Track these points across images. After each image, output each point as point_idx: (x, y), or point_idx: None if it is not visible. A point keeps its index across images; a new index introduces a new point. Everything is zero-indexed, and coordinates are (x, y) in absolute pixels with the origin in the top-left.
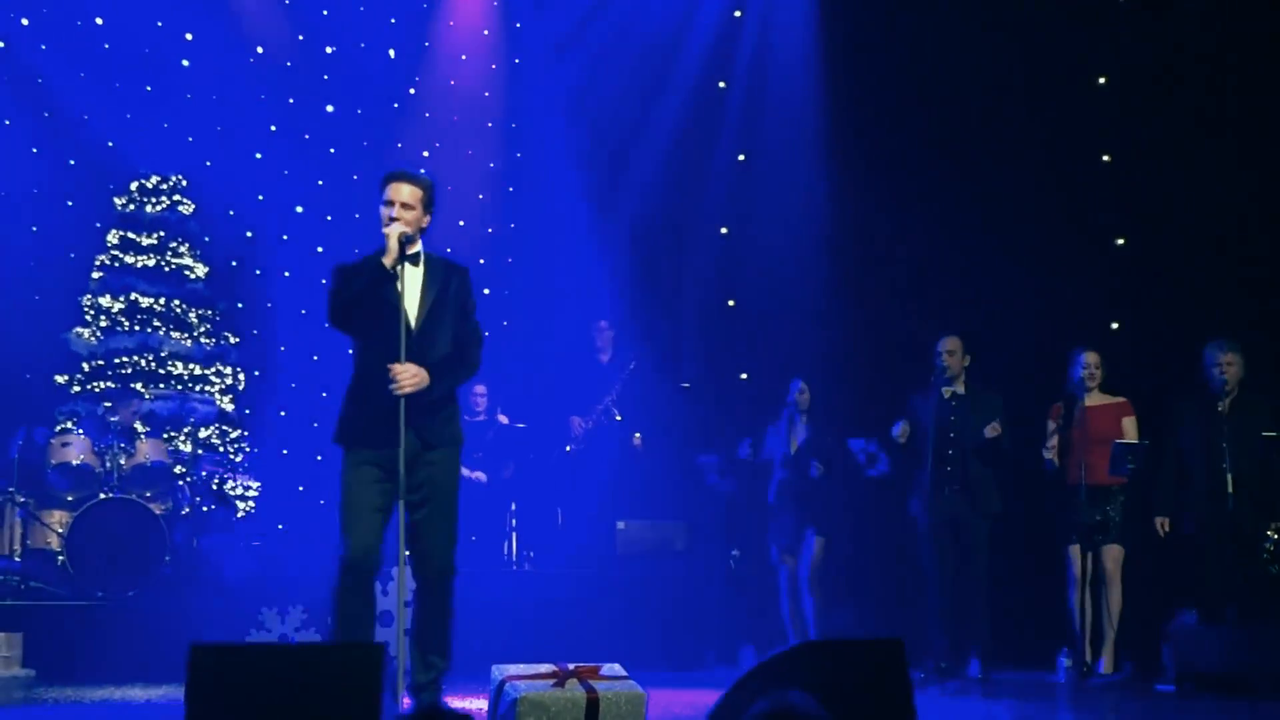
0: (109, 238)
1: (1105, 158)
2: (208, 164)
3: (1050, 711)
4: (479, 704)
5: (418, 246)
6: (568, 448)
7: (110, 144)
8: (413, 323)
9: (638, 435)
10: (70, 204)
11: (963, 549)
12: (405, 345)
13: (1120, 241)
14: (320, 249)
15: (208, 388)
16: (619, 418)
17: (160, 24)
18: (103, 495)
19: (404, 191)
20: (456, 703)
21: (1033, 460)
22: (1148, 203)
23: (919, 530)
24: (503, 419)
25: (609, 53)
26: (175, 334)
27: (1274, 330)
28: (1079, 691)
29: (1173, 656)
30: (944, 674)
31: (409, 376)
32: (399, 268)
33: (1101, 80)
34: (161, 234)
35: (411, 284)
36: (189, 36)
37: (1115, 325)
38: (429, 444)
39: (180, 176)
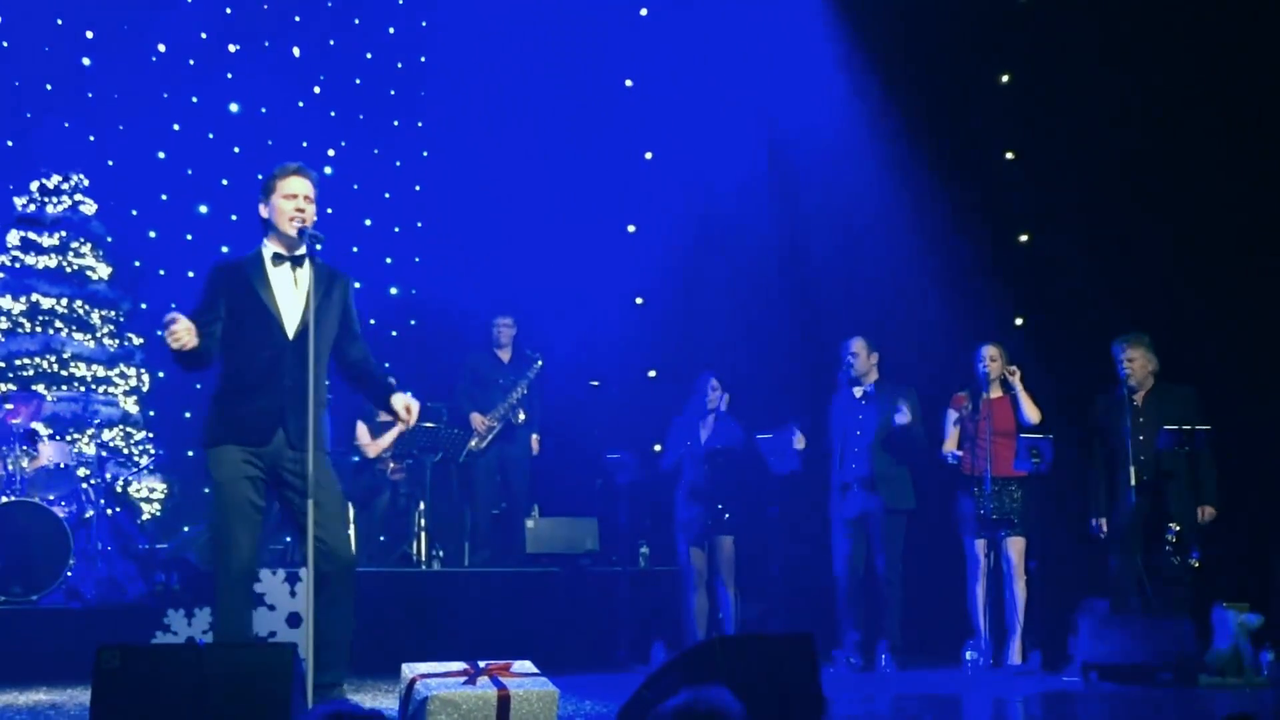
0: (9, 238)
1: (1009, 155)
2: (110, 163)
3: (958, 704)
4: (389, 703)
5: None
6: (473, 443)
7: (10, 143)
8: (294, 325)
9: (535, 437)
10: None
11: (875, 545)
12: (289, 347)
13: (1024, 238)
14: (225, 248)
15: (111, 389)
16: (523, 417)
17: (60, 21)
18: (5, 499)
19: (307, 186)
20: (367, 702)
21: (942, 454)
22: (1051, 199)
23: (832, 526)
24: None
25: (515, 51)
26: (78, 335)
27: (1181, 324)
28: (987, 684)
29: (1079, 647)
30: (855, 668)
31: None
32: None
33: (1005, 78)
34: (63, 234)
35: (299, 284)
36: (90, 34)
37: (1019, 321)
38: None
39: (82, 176)
